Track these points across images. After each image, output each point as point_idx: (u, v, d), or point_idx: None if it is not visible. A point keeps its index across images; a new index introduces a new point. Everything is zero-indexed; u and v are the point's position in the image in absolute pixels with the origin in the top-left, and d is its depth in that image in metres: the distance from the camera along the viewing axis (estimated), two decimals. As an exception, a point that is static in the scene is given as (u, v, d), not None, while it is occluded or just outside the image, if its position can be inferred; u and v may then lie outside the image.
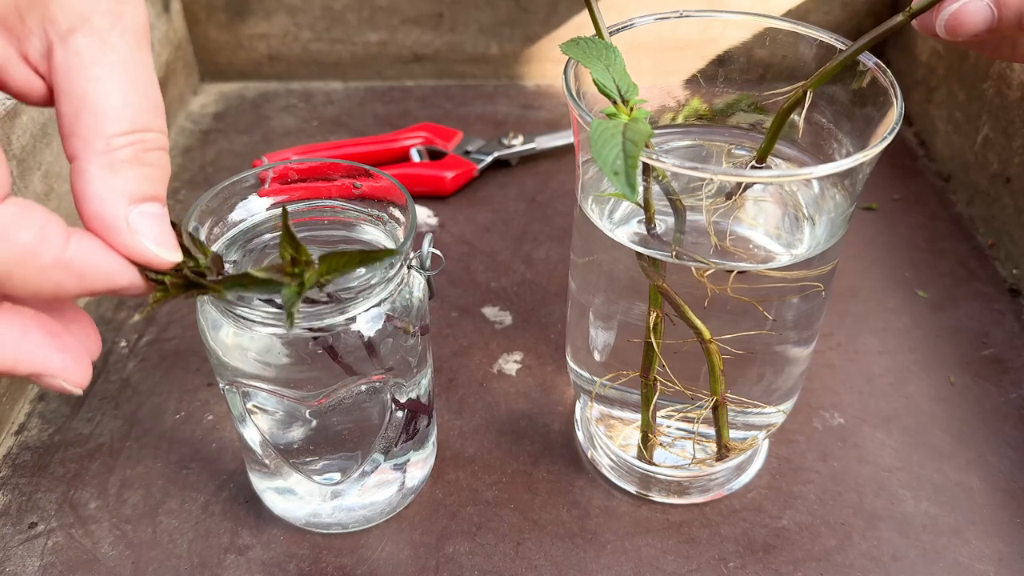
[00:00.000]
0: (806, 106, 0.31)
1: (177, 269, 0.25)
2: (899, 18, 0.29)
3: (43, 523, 0.39)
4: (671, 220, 0.33)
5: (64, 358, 0.24)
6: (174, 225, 0.25)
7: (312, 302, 0.30)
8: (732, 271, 0.31)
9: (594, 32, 0.31)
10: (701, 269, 0.32)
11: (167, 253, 0.24)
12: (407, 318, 0.34)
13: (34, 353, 0.23)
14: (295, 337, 0.31)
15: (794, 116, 0.32)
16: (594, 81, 0.30)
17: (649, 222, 0.32)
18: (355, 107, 0.69)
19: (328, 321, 0.31)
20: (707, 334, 0.33)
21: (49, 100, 0.24)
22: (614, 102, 0.29)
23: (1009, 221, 0.53)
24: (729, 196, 0.32)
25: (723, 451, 0.37)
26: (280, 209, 0.35)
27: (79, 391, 0.24)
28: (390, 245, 0.35)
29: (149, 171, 0.23)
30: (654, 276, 0.32)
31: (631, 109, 0.29)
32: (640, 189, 0.31)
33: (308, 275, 0.25)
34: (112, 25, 0.23)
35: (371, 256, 0.26)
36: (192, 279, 0.25)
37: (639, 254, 0.33)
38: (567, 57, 0.31)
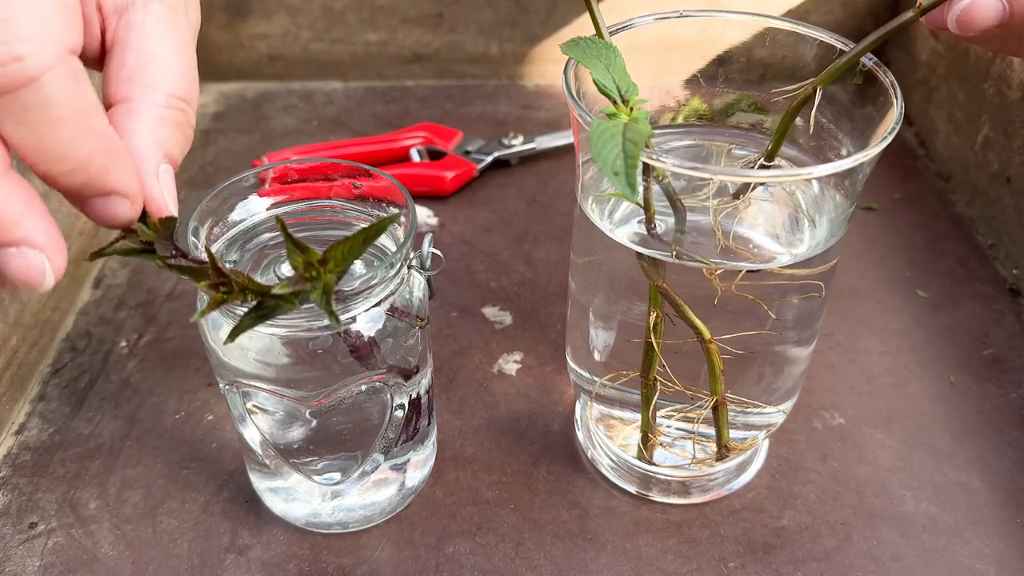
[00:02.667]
0: (816, 103, 0.31)
1: (225, 279, 0.25)
2: (909, 14, 0.29)
3: (43, 523, 0.39)
4: (671, 220, 0.33)
5: (56, 239, 0.23)
6: (208, 253, 0.26)
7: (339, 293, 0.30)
8: (738, 271, 0.31)
9: (594, 32, 0.31)
10: (711, 269, 0.32)
11: (173, 207, 0.26)
12: (412, 314, 0.34)
13: (40, 217, 0.22)
14: (294, 337, 0.31)
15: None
16: (594, 81, 0.30)
17: (649, 222, 0.32)
18: (355, 107, 0.69)
19: (328, 320, 0.31)
20: (707, 334, 0.33)
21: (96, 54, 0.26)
22: (614, 102, 0.29)
23: (1009, 221, 0.53)
24: (737, 196, 0.32)
25: (723, 451, 0.37)
26: (281, 214, 0.35)
27: (52, 282, 0.23)
28: (391, 245, 0.35)
29: (182, 139, 0.26)
30: (654, 276, 0.32)
31: (631, 109, 0.29)
32: (640, 189, 0.31)
33: (325, 274, 0.26)
34: (185, 4, 0.27)
35: (373, 231, 0.25)
36: (251, 286, 0.26)
37: (639, 254, 0.33)
38: (567, 57, 0.31)
